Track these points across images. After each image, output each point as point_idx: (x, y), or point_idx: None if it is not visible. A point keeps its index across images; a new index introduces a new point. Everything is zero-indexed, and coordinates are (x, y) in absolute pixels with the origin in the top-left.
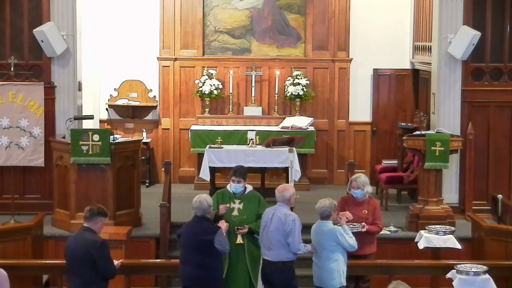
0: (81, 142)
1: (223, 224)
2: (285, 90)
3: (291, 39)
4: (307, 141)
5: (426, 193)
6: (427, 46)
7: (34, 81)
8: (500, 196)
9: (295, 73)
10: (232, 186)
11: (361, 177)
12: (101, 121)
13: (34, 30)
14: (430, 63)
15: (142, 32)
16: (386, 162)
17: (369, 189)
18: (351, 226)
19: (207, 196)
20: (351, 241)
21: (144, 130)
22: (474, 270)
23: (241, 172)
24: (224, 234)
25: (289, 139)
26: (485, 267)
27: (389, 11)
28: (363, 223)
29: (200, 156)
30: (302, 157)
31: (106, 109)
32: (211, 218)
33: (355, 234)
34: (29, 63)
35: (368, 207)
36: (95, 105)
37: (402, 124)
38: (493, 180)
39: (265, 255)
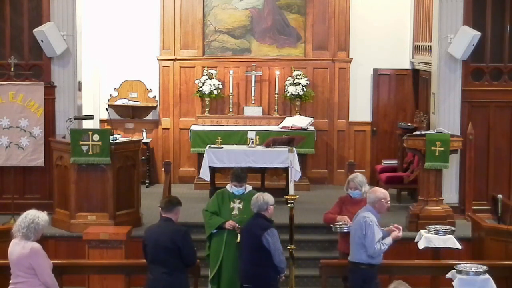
0: (81, 142)
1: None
2: (285, 90)
3: (291, 39)
4: (307, 141)
5: (426, 193)
6: (427, 46)
7: (34, 81)
8: (500, 196)
9: (295, 73)
10: (235, 190)
11: (358, 177)
12: (101, 121)
13: (34, 30)
14: (430, 63)
15: (142, 32)
16: (386, 162)
17: (367, 188)
18: (348, 225)
19: (267, 194)
20: None
21: (144, 130)
22: (474, 270)
23: (243, 177)
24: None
25: (289, 139)
26: (485, 267)
27: (389, 11)
28: None
29: (200, 156)
30: (302, 157)
31: (106, 109)
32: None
33: None
34: (29, 63)
35: None
36: (95, 105)
37: (402, 124)
38: (493, 180)
39: None
